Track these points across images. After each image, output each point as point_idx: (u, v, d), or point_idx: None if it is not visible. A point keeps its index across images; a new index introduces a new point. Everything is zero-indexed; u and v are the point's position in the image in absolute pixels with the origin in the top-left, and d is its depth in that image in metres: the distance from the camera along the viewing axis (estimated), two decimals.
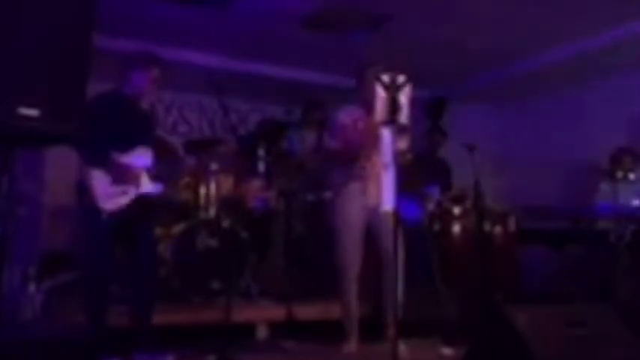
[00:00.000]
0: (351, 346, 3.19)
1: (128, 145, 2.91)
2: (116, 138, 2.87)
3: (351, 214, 3.18)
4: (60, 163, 4.23)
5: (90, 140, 2.77)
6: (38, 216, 3.66)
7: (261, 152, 4.38)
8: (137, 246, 2.96)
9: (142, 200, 2.92)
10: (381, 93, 2.73)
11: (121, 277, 3.09)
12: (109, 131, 2.83)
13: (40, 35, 1.80)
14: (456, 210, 4.43)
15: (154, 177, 3.00)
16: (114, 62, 4.52)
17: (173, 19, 4.53)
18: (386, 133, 2.92)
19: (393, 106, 2.66)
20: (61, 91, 1.86)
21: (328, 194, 4.53)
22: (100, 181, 2.80)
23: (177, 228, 3.86)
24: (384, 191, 3.07)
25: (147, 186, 2.95)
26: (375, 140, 3.09)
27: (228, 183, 4.28)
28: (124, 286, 3.09)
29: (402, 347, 2.91)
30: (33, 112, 1.78)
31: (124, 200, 2.85)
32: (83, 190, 2.82)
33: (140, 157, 2.95)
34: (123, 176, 2.84)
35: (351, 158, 3.15)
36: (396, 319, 2.83)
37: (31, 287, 3.39)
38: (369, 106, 3.02)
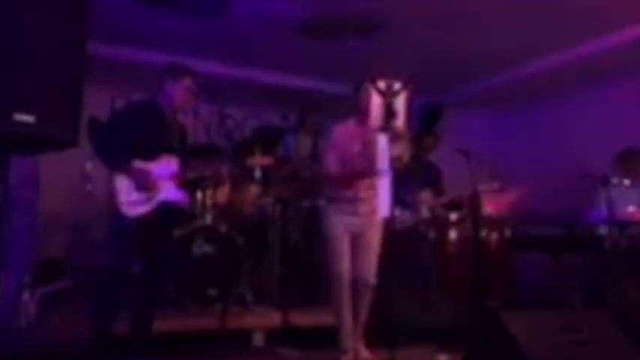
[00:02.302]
0: (349, 356, 3.17)
1: (156, 155, 2.94)
2: (143, 146, 2.90)
3: (339, 223, 3.16)
4: (55, 170, 4.23)
5: (112, 146, 2.80)
6: (33, 223, 3.64)
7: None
8: (154, 255, 2.96)
9: (165, 208, 2.93)
10: (376, 99, 2.74)
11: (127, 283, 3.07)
12: (136, 138, 2.87)
13: (35, 42, 1.81)
14: (452, 217, 4.44)
15: (180, 185, 3.02)
16: (110, 69, 4.55)
17: (168, 26, 4.54)
18: (382, 140, 2.92)
19: (389, 112, 2.67)
20: (56, 97, 1.86)
21: (322, 201, 4.56)
22: (124, 187, 2.83)
23: (174, 235, 3.84)
24: (380, 198, 3.06)
25: (171, 194, 2.96)
26: (369, 152, 3.08)
27: (224, 189, 4.28)
28: (128, 292, 3.07)
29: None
30: (29, 119, 1.78)
31: (147, 207, 2.87)
32: (110, 195, 2.85)
33: (164, 165, 2.96)
34: (145, 183, 2.86)
35: (346, 183, 3.13)
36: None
37: (26, 295, 3.37)
38: (364, 117, 3.03)
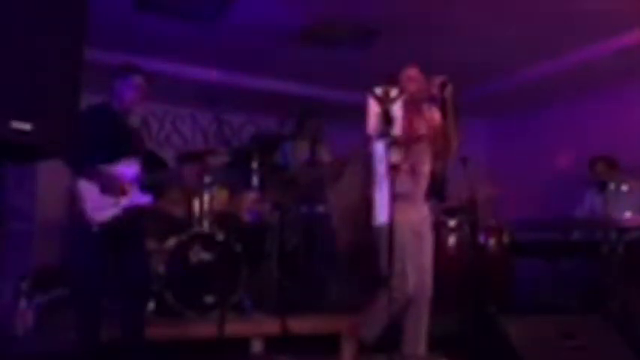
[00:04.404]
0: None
1: (115, 158, 2.92)
2: (103, 150, 2.88)
3: (409, 224, 2.99)
4: (51, 178, 4.23)
5: (77, 151, 2.77)
6: (30, 231, 3.64)
7: (254, 165, 4.38)
8: (127, 258, 2.94)
9: (132, 211, 2.91)
10: (374, 106, 2.74)
11: (112, 291, 3.05)
12: (96, 144, 2.83)
13: (31, 48, 1.81)
14: (451, 222, 4.44)
15: (144, 188, 3.00)
16: (108, 76, 4.55)
17: (166, 32, 4.55)
18: (379, 146, 2.93)
19: (387, 118, 2.68)
20: (53, 104, 1.85)
21: (321, 208, 4.56)
22: (90, 192, 2.80)
23: (171, 241, 3.84)
24: (379, 205, 3.05)
25: (137, 197, 2.95)
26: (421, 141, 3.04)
27: (222, 196, 4.27)
28: (115, 300, 3.05)
29: None
30: (26, 126, 1.77)
31: (114, 211, 2.84)
32: (73, 201, 2.82)
33: (127, 168, 2.95)
34: (111, 187, 2.84)
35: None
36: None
37: (23, 302, 3.35)
38: (410, 106, 3.01)
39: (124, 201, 2.88)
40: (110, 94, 3.01)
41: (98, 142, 2.84)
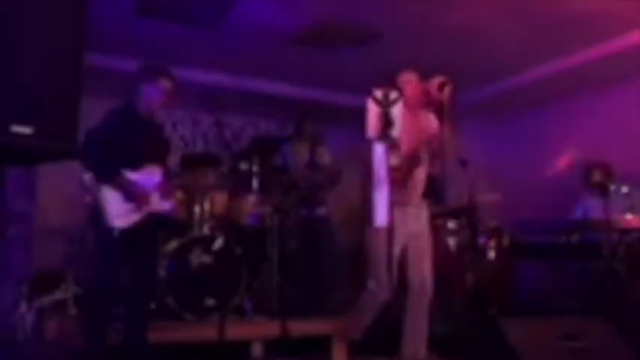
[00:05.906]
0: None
1: (140, 161, 2.91)
2: (128, 154, 2.87)
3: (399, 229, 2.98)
4: (52, 182, 4.23)
5: (101, 158, 2.78)
6: (29, 234, 3.63)
7: (254, 168, 4.38)
8: (139, 262, 2.94)
9: (152, 217, 2.92)
10: (373, 109, 2.74)
11: (117, 295, 3.06)
12: (120, 147, 2.84)
13: (32, 52, 1.81)
14: (451, 225, 4.44)
15: (165, 194, 3.00)
16: (109, 79, 4.57)
17: (166, 36, 4.56)
18: (379, 149, 2.93)
19: (386, 121, 2.68)
20: (54, 108, 1.86)
21: (321, 210, 4.55)
22: (112, 198, 2.81)
23: (172, 245, 3.84)
24: (378, 208, 3.05)
25: (158, 204, 2.95)
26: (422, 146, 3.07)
27: (222, 199, 4.27)
28: (119, 304, 3.06)
29: None
30: (26, 130, 1.77)
31: (135, 217, 2.85)
32: (97, 208, 2.82)
33: (150, 175, 2.95)
34: (133, 194, 2.84)
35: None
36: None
37: (23, 306, 3.35)
38: (407, 109, 3.02)
39: (145, 208, 2.88)
40: (135, 96, 2.98)
41: (123, 145, 2.85)
